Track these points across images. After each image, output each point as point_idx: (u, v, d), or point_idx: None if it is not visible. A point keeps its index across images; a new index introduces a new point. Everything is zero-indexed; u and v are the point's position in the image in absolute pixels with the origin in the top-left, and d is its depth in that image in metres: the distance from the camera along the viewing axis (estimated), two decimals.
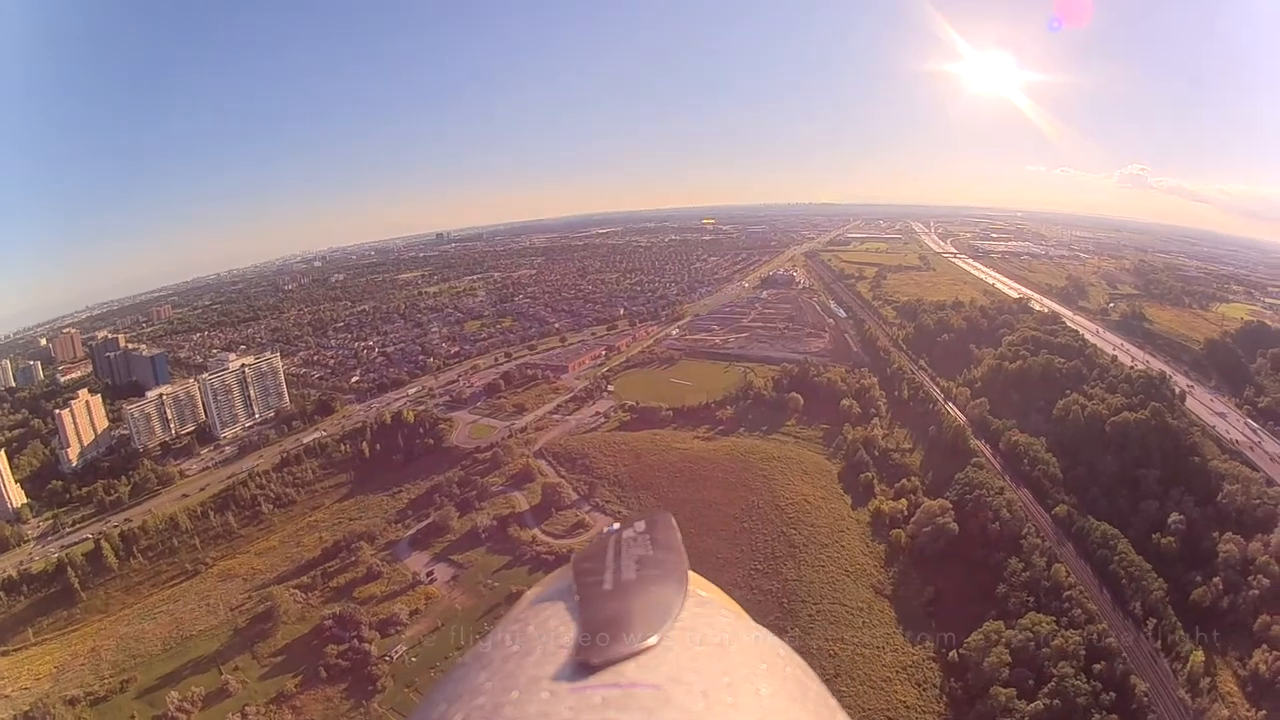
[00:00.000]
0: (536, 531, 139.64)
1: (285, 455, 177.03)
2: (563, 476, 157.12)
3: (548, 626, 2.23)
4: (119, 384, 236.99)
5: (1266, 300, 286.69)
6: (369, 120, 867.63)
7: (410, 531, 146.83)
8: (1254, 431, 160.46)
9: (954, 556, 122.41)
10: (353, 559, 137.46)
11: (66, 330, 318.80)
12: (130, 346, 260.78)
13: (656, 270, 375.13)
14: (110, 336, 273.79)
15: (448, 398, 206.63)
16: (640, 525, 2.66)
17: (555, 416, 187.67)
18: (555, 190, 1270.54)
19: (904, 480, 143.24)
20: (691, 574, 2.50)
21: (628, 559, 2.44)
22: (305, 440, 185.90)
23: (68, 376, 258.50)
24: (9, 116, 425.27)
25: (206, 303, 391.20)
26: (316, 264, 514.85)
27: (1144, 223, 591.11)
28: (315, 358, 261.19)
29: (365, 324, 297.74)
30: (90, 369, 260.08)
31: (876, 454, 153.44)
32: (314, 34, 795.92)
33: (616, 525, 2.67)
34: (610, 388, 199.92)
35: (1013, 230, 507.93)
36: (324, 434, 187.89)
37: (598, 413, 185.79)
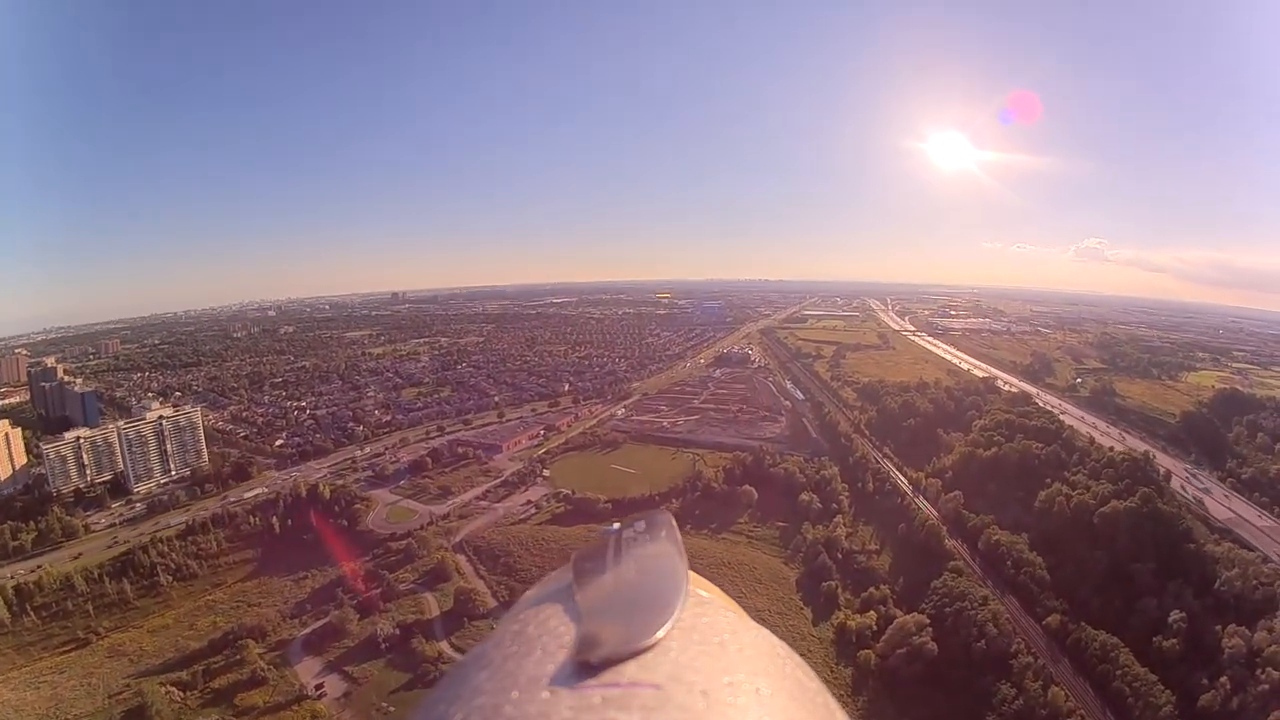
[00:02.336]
0: (444, 645, 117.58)
1: (191, 522, 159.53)
2: (482, 576, 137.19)
3: (548, 626, 2.21)
4: (51, 416, 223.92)
5: (1234, 366, 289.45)
6: (337, 175, 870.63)
7: (305, 631, 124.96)
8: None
9: (933, 681, 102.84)
10: (238, 657, 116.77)
11: (18, 351, 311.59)
12: (66, 379, 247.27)
13: (607, 344, 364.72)
14: (50, 366, 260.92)
15: (370, 473, 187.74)
16: (640, 525, 2.66)
17: (482, 503, 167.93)
18: (513, 258, 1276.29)
19: (872, 589, 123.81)
20: (691, 574, 2.49)
21: (628, 559, 2.44)
22: (215, 507, 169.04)
23: (5, 401, 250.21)
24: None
25: (156, 341, 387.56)
26: (271, 313, 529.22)
27: (1100, 294, 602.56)
28: (245, 414, 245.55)
29: (302, 382, 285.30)
30: (29, 396, 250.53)
31: (840, 557, 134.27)
32: (298, 85, 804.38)
33: (616, 525, 2.67)
34: (546, 473, 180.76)
35: (970, 306, 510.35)
36: (235, 501, 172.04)
37: (529, 501, 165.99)
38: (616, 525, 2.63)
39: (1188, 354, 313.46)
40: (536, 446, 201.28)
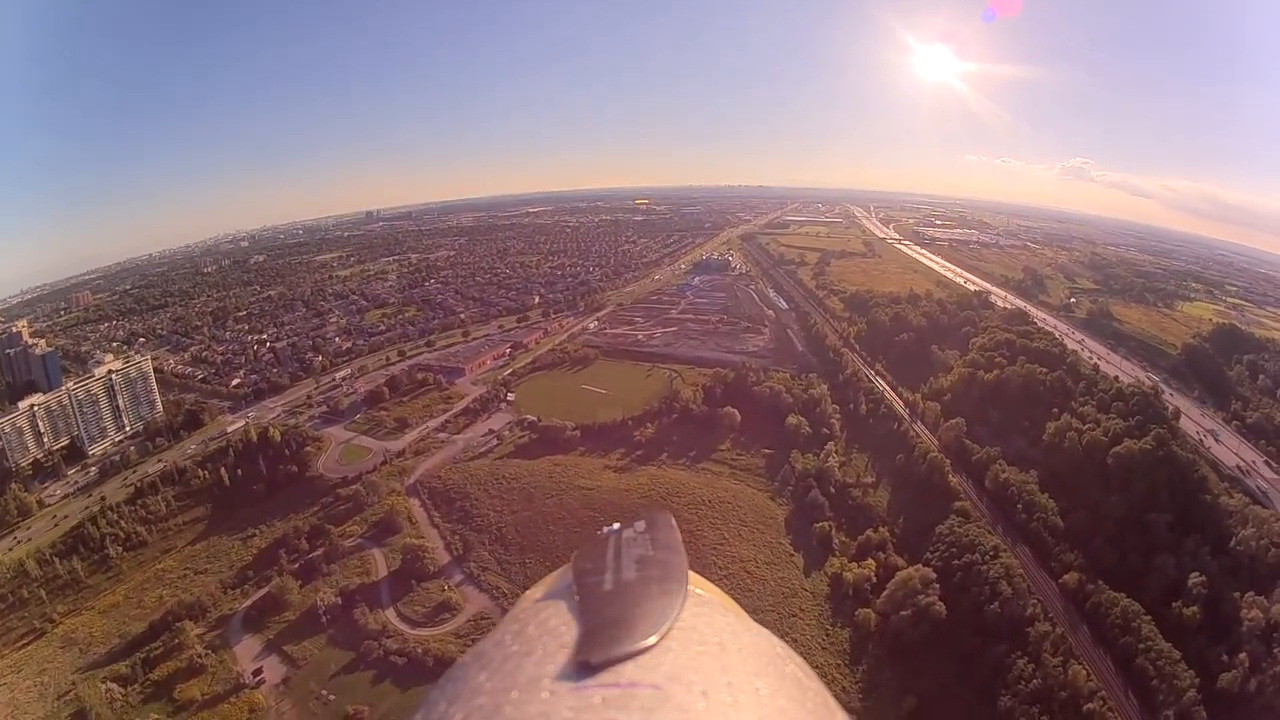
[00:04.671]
0: (389, 615, 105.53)
1: (140, 484, 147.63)
2: (435, 525, 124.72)
3: (548, 626, 2.21)
4: (17, 384, 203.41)
5: (1229, 300, 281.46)
6: (306, 94, 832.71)
7: (246, 603, 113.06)
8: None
9: (941, 648, 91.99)
10: (177, 641, 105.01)
11: None
12: (30, 342, 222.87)
13: (581, 252, 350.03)
14: (14, 330, 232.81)
15: (325, 408, 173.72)
16: (640, 525, 2.65)
17: (441, 435, 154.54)
18: (488, 169, 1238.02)
19: (869, 531, 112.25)
20: (691, 574, 2.48)
21: (628, 559, 2.43)
22: (164, 463, 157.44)
23: None
24: None
25: (127, 287, 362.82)
26: (244, 244, 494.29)
27: (1086, 215, 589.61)
28: (205, 353, 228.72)
29: (266, 313, 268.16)
30: None
31: (833, 491, 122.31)
32: (262, 17, 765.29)
33: (616, 525, 2.67)
34: (510, 397, 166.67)
35: (954, 218, 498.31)
36: (192, 451, 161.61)
37: (491, 431, 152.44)
38: (616, 525, 2.62)
39: (1180, 283, 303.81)
40: (502, 367, 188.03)
